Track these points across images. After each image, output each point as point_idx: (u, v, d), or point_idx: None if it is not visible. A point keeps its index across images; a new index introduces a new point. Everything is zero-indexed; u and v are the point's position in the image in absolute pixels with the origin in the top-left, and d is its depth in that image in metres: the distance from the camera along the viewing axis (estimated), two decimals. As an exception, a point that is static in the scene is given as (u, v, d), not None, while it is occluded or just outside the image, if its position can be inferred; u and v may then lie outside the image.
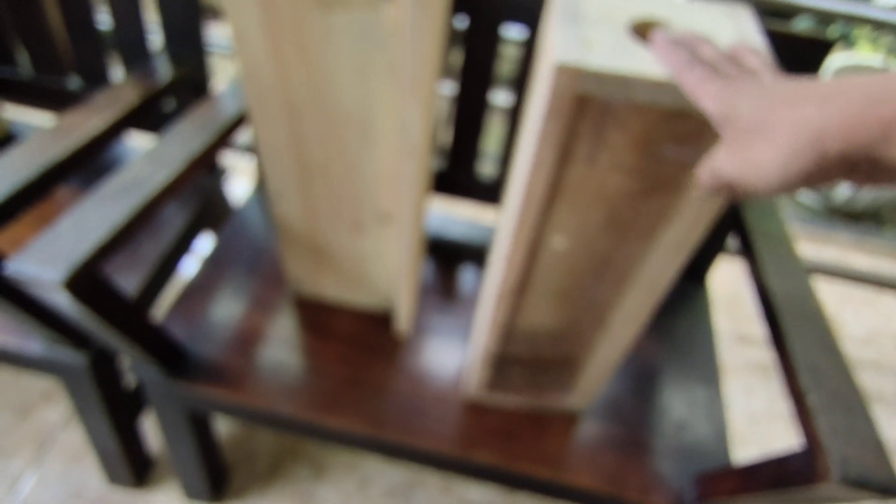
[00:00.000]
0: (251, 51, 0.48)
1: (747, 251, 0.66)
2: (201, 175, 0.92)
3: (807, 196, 1.81)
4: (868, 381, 1.23)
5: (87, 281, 0.47)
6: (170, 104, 0.84)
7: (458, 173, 0.81)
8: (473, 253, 0.88)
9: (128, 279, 0.75)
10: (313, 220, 0.64)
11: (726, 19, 0.40)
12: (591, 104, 0.37)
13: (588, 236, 0.50)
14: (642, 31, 0.39)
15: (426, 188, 0.65)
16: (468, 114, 0.74)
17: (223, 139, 0.68)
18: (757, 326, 1.29)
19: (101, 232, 0.48)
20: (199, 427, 0.78)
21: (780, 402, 1.16)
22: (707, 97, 0.31)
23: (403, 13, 0.40)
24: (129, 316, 0.55)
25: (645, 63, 0.35)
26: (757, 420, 1.12)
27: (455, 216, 0.94)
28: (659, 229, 0.46)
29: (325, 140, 0.55)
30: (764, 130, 0.28)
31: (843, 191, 1.70)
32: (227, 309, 0.74)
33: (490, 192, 0.82)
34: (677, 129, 0.37)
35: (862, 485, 0.41)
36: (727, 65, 0.33)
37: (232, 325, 0.72)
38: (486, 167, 0.82)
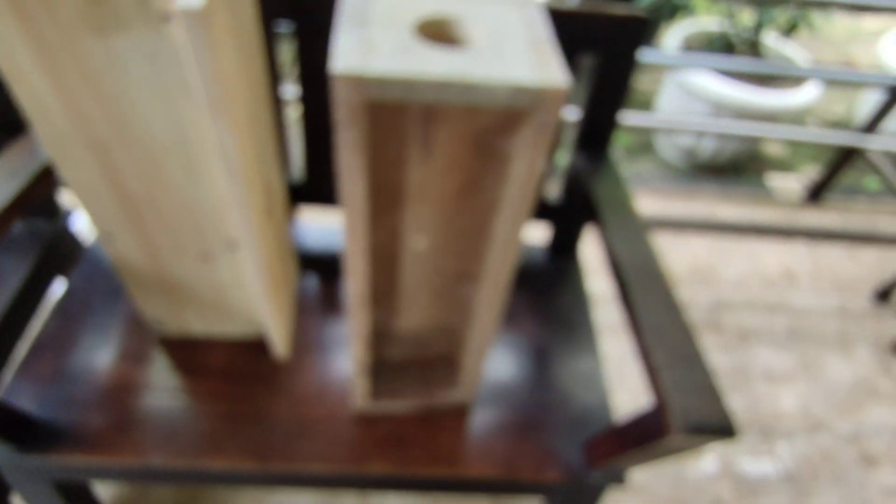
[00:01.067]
0: (29, 88, 0.43)
1: (598, 221, 0.69)
2: (37, 222, 0.83)
3: (676, 156, 1.96)
4: (744, 319, 1.35)
5: None
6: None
7: (318, 182, 0.78)
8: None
9: (-45, 351, 0.67)
10: (154, 255, 0.60)
11: (512, 10, 0.41)
12: (410, 107, 0.36)
13: (446, 232, 0.50)
14: (430, 30, 0.39)
15: (274, 207, 0.63)
16: (315, 121, 0.72)
17: (43, 182, 0.61)
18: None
19: None
20: (76, 496, 0.71)
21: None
22: None
23: (183, 32, 0.38)
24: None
25: (429, 63, 0.34)
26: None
27: (330, 226, 0.92)
28: (494, 216, 0.47)
29: (143, 172, 0.51)
30: None
31: (705, 148, 1.85)
32: (83, 361, 0.68)
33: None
34: (482, 123, 0.38)
35: (701, 431, 0.45)
36: None
37: (91, 378, 0.66)
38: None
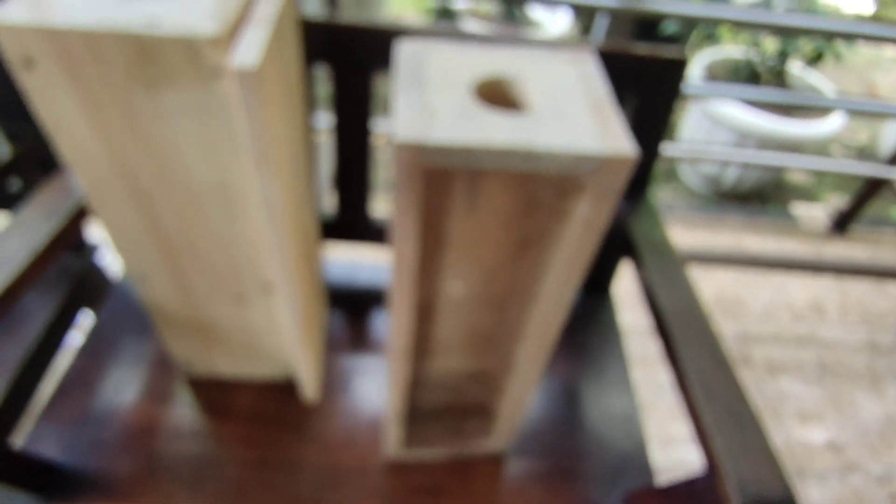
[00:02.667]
0: (72, 138, 0.43)
1: (636, 261, 0.67)
2: (65, 257, 0.83)
3: (699, 184, 1.94)
4: (770, 353, 1.32)
5: None
6: (15, 184, 0.75)
7: (350, 216, 0.78)
8: (382, 298, 0.85)
9: (-16, 390, 0.66)
10: (189, 297, 0.59)
11: (568, 66, 0.40)
12: (436, 172, 0.35)
13: (484, 278, 0.49)
14: (488, 90, 0.38)
15: (310, 247, 0.62)
16: (349, 160, 0.71)
17: (79, 217, 0.61)
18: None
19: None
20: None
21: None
22: None
23: (234, 90, 0.37)
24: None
25: (490, 130, 0.33)
26: (674, 408, 1.16)
27: (359, 260, 0.91)
28: (543, 270, 0.45)
29: (184, 217, 0.50)
30: None
31: (729, 176, 1.83)
32: (109, 404, 0.67)
33: (385, 234, 0.80)
34: (538, 187, 0.37)
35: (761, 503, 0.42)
36: None
37: (117, 422, 0.65)
38: (381, 205, 0.80)
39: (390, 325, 0.47)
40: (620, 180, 0.35)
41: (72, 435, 0.64)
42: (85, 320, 0.84)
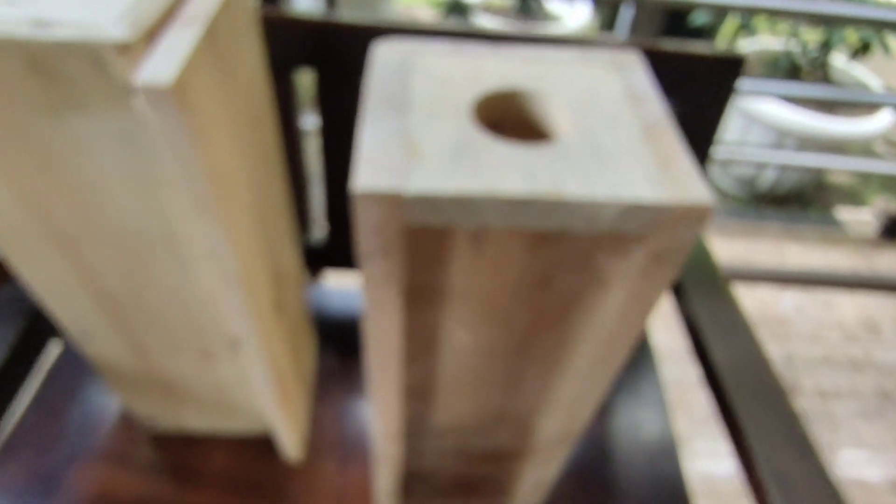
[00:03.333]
0: (-36, 176, 0.33)
1: (679, 295, 0.56)
2: (14, 290, 0.74)
3: (733, 186, 1.80)
4: (824, 379, 1.18)
5: None
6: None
7: (342, 245, 0.68)
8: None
9: (-78, 451, 0.57)
10: (144, 355, 0.49)
11: (608, 73, 0.29)
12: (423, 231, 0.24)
13: (494, 342, 0.38)
14: (495, 111, 0.28)
15: (286, 294, 0.52)
16: (337, 179, 0.61)
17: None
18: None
19: None
20: None
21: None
22: None
23: (150, 114, 0.27)
24: None
25: (498, 172, 0.23)
26: (723, 438, 1.04)
27: (350, 289, 0.81)
28: (568, 343, 0.34)
29: (122, 269, 0.40)
30: None
31: (766, 178, 1.69)
32: (62, 465, 0.58)
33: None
34: (560, 251, 0.26)
35: None
36: None
37: (71, 488, 0.56)
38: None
39: (372, 407, 0.37)
40: (690, 238, 0.24)
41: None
42: (41, 363, 0.75)
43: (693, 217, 0.23)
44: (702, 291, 0.55)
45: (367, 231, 0.23)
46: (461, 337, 0.34)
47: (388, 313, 0.28)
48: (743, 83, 1.57)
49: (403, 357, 0.32)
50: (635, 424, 0.66)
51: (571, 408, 0.38)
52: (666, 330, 1.17)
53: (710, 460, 1.02)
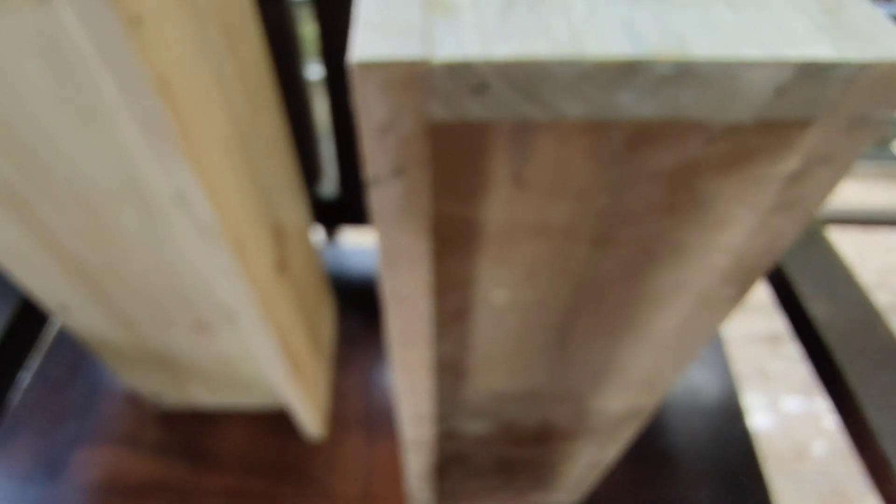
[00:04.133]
0: None
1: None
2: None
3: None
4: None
5: None
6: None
7: (355, 198, 0.60)
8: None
9: (-85, 437, 0.53)
10: (131, 328, 0.43)
11: None
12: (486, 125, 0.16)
13: (543, 299, 0.30)
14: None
15: (290, 251, 0.44)
16: (346, 123, 0.52)
17: None
18: (757, 291, 1.13)
19: None
20: None
21: (795, 372, 1.00)
22: None
23: (67, 12, 0.19)
24: None
25: (583, 26, 0.14)
26: (770, 390, 0.96)
27: (371, 247, 0.73)
28: (645, 298, 0.26)
29: (86, 228, 0.33)
30: None
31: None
32: (67, 449, 0.53)
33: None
34: (664, 157, 0.17)
35: None
36: None
37: (76, 473, 0.51)
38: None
39: (396, 387, 0.30)
40: (873, 124, 0.15)
41: (21, 490, 0.50)
42: (42, 339, 0.70)
43: (891, 83, 0.14)
44: (804, 253, 0.46)
45: (373, 136, 0.15)
46: (501, 295, 0.27)
47: (408, 263, 0.20)
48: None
49: (432, 325, 0.25)
50: (694, 388, 0.59)
51: (644, 383, 0.31)
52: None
53: (758, 415, 0.95)
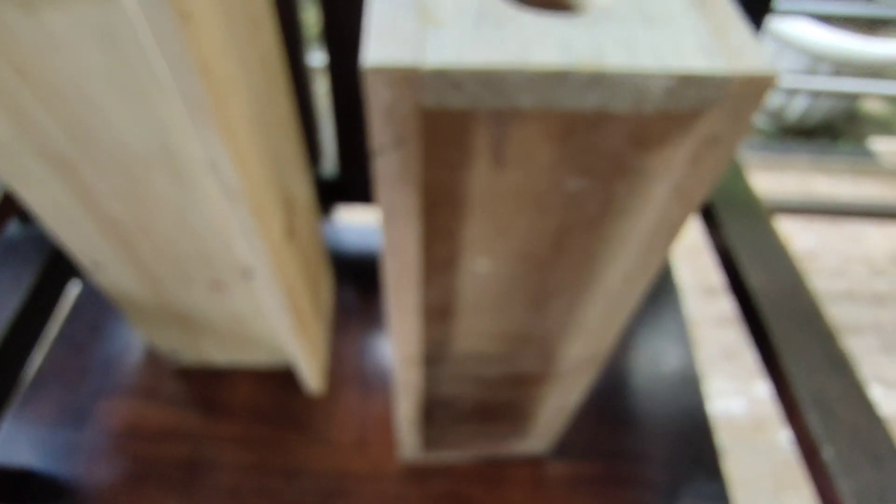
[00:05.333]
0: (-55, 88, 0.31)
1: (708, 221, 0.53)
2: (35, 228, 0.74)
3: (759, 118, 1.71)
4: (847, 313, 1.16)
5: None
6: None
7: (354, 178, 0.65)
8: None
9: (-50, 386, 0.58)
10: (156, 286, 0.48)
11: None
12: (468, 112, 0.22)
13: (516, 258, 0.36)
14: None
15: (298, 220, 0.50)
16: (347, 105, 0.57)
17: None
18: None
19: None
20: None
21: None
22: None
23: (136, 4, 0.24)
24: None
25: (527, 42, 0.20)
26: (739, 372, 1.04)
27: (366, 226, 0.79)
28: (600, 255, 0.32)
29: (123, 192, 0.38)
30: None
31: (795, 108, 1.61)
32: (90, 399, 0.58)
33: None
34: (599, 137, 0.23)
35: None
36: None
37: (99, 420, 0.57)
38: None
39: (391, 331, 0.36)
40: (748, 116, 0.21)
41: (48, 437, 0.56)
42: (63, 301, 0.75)
43: (754, 89, 0.20)
44: (736, 217, 0.52)
45: (379, 117, 0.20)
46: (481, 249, 0.32)
47: (405, 217, 0.25)
48: (779, 1, 1.46)
49: (422, 271, 0.30)
50: (656, 357, 0.65)
51: (599, 329, 0.37)
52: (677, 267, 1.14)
53: (724, 399, 1.02)
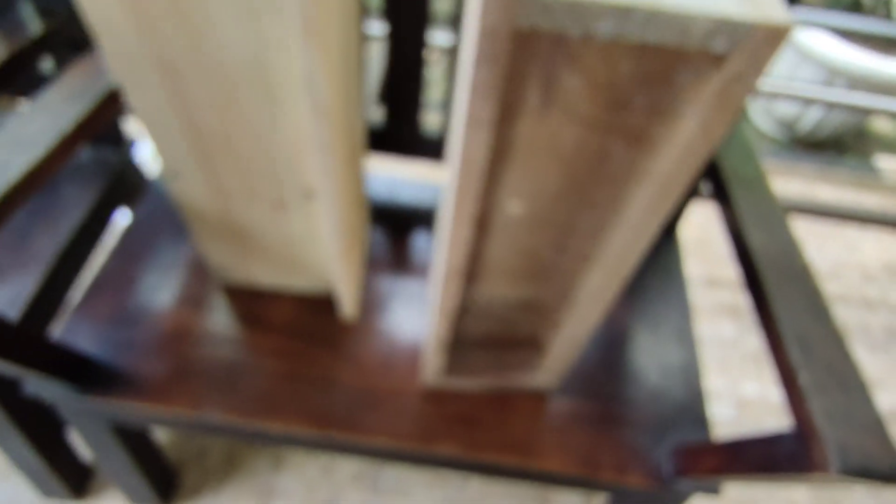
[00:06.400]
0: (100, 3, 0.36)
1: (722, 199, 0.59)
2: (102, 151, 0.80)
3: (772, 127, 1.77)
4: (837, 315, 1.22)
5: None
6: (47, 65, 0.70)
7: (399, 129, 0.71)
8: (426, 217, 0.79)
9: (19, 282, 0.64)
10: (224, 200, 0.54)
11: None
12: (538, 40, 0.27)
13: (547, 199, 0.42)
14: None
15: (356, 153, 0.56)
16: (403, 59, 0.63)
17: (108, 106, 0.56)
18: (727, 269, 1.26)
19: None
20: (131, 436, 0.70)
21: (749, 342, 1.14)
22: None
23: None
24: (14, 340, 0.45)
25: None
26: (727, 363, 1.10)
27: (403, 177, 0.85)
28: (628, 190, 0.38)
29: (216, 102, 0.44)
30: None
31: (808, 120, 1.66)
32: (143, 303, 0.65)
33: (437, 149, 0.73)
34: (647, 68, 0.29)
35: (863, 474, 0.36)
36: None
37: (151, 322, 0.63)
38: (431, 120, 0.73)
39: (443, 241, 0.42)
40: (763, 63, 0.27)
41: (106, 332, 0.62)
42: (121, 218, 0.81)
43: (774, 36, 0.26)
44: (749, 201, 0.57)
45: (484, 35, 0.26)
46: (519, 195, 0.38)
47: (484, 128, 0.31)
48: (799, 12, 1.51)
49: (483, 181, 0.36)
50: (656, 318, 0.71)
51: (618, 259, 0.43)
52: (693, 260, 1.20)
53: (713, 401, 1.08)
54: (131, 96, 0.44)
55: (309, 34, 0.35)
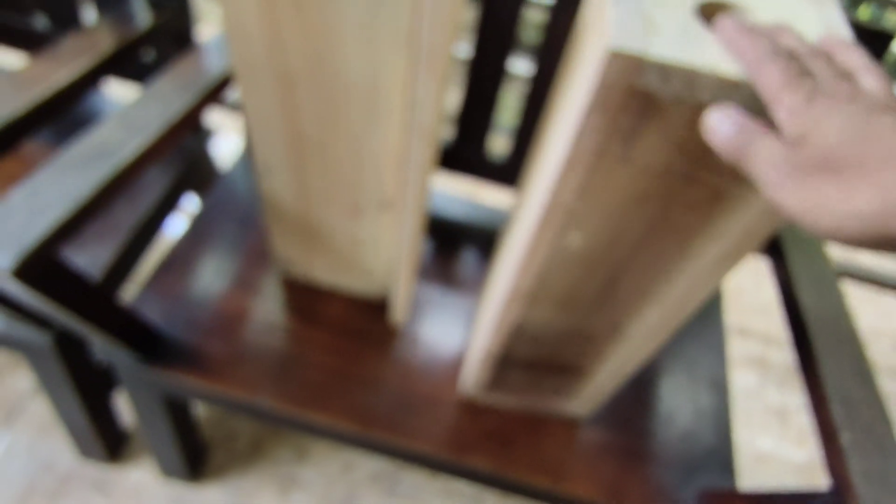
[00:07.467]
0: (237, 10, 0.41)
1: (776, 256, 0.61)
2: (184, 137, 0.85)
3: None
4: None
5: (42, 266, 0.40)
6: (149, 54, 0.76)
7: (467, 149, 0.74)
8: (474, 235, 0.83)
9: (98, 249, 0.69)
10: (306, 200, 0.58)
11: (808, 5, 0.34)
12: (634, 94, 0.31)
13: (609, 237, 0.44)
14: (709, 14, 0.33)
15: (432, 170, 0.59)
16: (483, 83, 0.67)
17: (209, 98, 0.60)
18: (758, 321, 1.27)
19: (59, 210, 0.42)
20: (175, 409, 0.74)
21: (772, 396, 1.14)
22: (782, 106, 0.25)
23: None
24: (93, 302, 0.49)
25: (718, 56, 0.28)
26: (747, 415, 1.10)
27: (454, 194, 0.88)
28: (697, 242, 0.41)
29: (322, 113, 0.48)
30: (856, 167, 0.23)
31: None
32: (208, 287, 0.69)
33: (501, 172, 0.76)
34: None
35: (898, 538, 0.38)
36: (818, 63, 0.27)
37: (213, 305, 0.67)
38: (497, 143, 0.76)
39: (511, 265, 0.44)
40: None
41: (171, 308, 0.66)
42: (188, 203, 0.86)
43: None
44: (802, 258, 0.59)
45: (603, 86, 0.29)
46: (581, 228, 0.41)
47: (579, 169, 0.34)
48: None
49: (572, 214, 0.39)
50: (691, 360, 0.73)
51: (677, 301, 0.45)
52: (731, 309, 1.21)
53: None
54: (246, 97, 0.48)
55: (430, 64, 0.38)
